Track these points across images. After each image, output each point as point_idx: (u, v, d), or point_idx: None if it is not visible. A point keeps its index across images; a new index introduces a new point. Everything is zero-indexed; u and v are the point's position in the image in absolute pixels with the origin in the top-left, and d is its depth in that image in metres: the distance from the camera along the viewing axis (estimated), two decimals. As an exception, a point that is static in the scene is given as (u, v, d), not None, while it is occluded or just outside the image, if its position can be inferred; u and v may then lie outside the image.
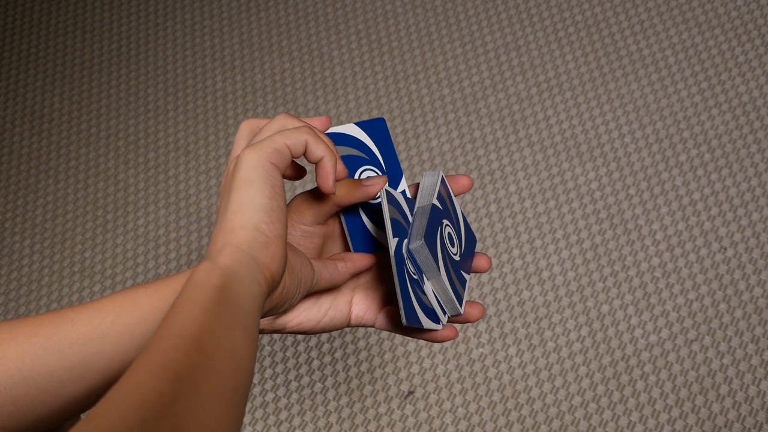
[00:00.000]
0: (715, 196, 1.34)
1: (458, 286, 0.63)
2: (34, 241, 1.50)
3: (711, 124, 1.40)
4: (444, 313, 0.63)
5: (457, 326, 1.30)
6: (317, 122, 0.61)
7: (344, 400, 1.26)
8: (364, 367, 1.29)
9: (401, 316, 0.57)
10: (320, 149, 0.57)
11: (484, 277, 1.33)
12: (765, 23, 1.48)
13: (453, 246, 0.64)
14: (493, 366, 1.26)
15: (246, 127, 0.61)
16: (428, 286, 0.62)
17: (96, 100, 1.64)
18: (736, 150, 1.37)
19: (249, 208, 0.55)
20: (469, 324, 1.29)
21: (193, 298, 0.50)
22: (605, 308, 1.28)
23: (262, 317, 0.62)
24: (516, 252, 1.34)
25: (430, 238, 0.61)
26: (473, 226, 1.38)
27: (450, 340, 0.62)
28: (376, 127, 0.63)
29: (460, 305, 0.63)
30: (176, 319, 0.49)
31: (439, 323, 0.62)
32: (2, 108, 1.67)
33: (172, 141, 1.56)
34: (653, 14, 1.52)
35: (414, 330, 0.63)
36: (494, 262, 1.34)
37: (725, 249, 1.29)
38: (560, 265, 1.32)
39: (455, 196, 0.67)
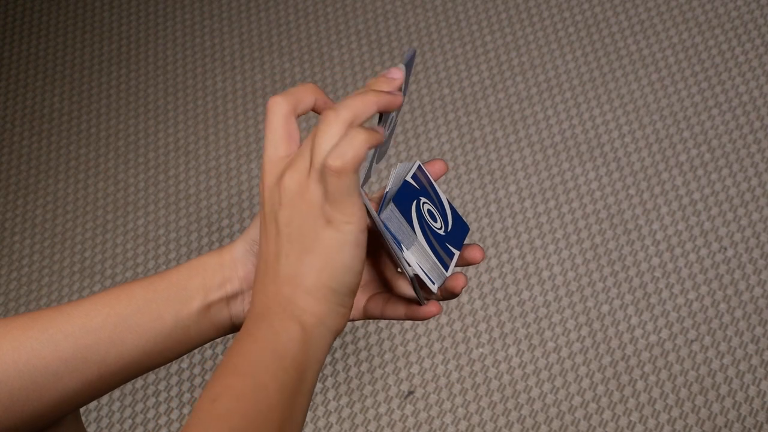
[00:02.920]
0: (715, 196, 1.34)
1: (443, 254, 0.63)
2: (34, 241, 1.50)
3: (711, 124, 1.40)
4: (432, 282, 0.62)
5: (457, 325, 1.30)
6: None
7: (344, 400, 1.26)
8: (364, 367, 1.29)
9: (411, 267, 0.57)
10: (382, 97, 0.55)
11: (485, 277, 1.33)
12: (765, 23, 1.48)
13: (435, 221, 0.64)
14: (493, 366, 1.26)
15: (284, 112, 0.57)
16: (411, 258, 0.62)
17: (96, 100, 1.64)
18: (736, 150, 1.37)
19: (338, 279, 0.54)
20: (469, 324, 1.29)
21: (278, 377, 0.51)
22: (605, 308, 1.28)
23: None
24: (516, 252, 1.34)
25: (401, 206, 0.61)
26: (473, 226, 1.38)
27: (434, 315, 0.62)
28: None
29: (446, 270, 0.62)
30: (259, 397, 0.50)
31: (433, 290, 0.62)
32: (2, 108, 1.67)
33: (172, 141, 1.56)
34: (653, 14, 1.52)
35: (396, 310, 0.63)
36: (494, 262, 1.34)
37: (725, 249, 1.29)
38: (560, 265, 1.32)
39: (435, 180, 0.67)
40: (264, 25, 1.67)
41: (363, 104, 0.54)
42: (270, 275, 0.55)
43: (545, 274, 1.32)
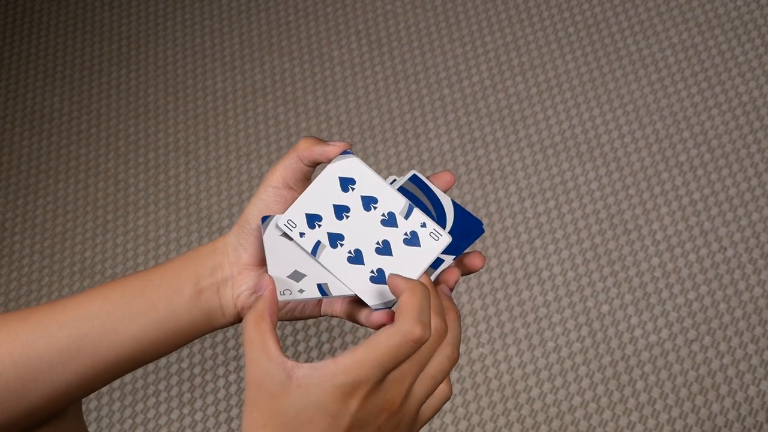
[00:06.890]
0: (715, 196, 1.34)
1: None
2: (34, 241, 1.50)
3: (711, 124, 1.40)
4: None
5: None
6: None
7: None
8: (364, 367, 1.29)
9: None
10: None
11: (484, 277, 1.33)
12: (765, 23, 1.48)
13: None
14: (493, 366, 1.26)
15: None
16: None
17: (96, 100, 1.65)
18: (736, 150, 1.37)
19: None
20: (469, 324, 1.29)
21: None
22: (605, 308, 1.28)
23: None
24: (516, 252, 1.34)
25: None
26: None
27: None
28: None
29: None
30: None
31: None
32: (2, 108, 1.67)
33: (172, 141, 1.56)
34: (653, 14, 1.52)
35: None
36: (494, 262, 1.34)
37: (725, 249, 1.29)
38: (560, 265, 1.32)
39: (444, 191, 0.65)
40: (264, 25, 1.67)
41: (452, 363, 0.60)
42: None
43: (545, 274, 1.32)
